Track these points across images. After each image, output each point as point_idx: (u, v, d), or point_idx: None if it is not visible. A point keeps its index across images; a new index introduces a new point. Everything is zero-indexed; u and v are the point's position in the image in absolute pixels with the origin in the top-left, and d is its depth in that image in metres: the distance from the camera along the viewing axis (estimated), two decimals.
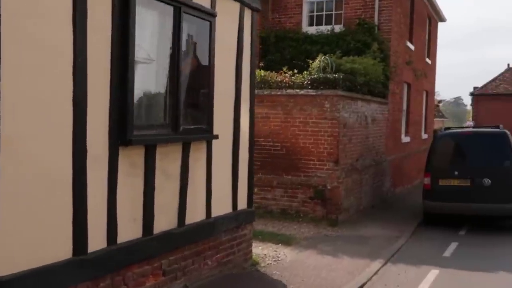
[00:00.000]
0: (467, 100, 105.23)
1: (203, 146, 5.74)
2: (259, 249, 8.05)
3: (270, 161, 11.06)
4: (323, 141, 10.57)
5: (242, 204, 6.73)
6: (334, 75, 10.65)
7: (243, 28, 6.52)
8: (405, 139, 17.33)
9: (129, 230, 4.66)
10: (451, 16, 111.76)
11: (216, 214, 6.04)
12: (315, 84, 10.73)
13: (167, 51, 5.09)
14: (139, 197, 4.77)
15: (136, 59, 4.60)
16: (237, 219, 6.59)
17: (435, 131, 26.04)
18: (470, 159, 10.64)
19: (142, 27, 4.71)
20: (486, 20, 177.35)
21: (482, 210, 10.36)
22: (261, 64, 13.23)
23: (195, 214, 5.66)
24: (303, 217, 10.65)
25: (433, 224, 11.14)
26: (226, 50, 6.19)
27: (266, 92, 11.09)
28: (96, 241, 4.23)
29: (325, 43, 14.27)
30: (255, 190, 11.05)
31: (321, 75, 10.75)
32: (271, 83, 11.21)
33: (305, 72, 11.26)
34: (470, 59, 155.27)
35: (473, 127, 11.97)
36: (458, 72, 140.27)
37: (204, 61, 5.71)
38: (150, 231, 4.92)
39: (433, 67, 22.93)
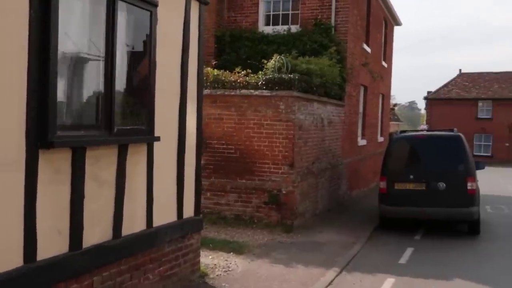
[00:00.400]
0: (421, 105, 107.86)
1: (143, 149, 5.21)
2: (209, 259, 7.57)
3: (223, 164, 10.60)
4: (278, 144, 10.19)
5: (188, 211, 6.23)
6: (289, 75, 10.31)
7: (189, 21, 6.04)
8: (362, 142, 17.24)
9: (53, 244, 4.09)
10: (405, 21, 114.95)
11: (158, 224, 5.52)
12: (270, 84, 10.35)
13: (100, 43, 4.54)
14: (65, 207, 4.21)
15: (62, 50, 4.04)
16: (183, 228, 6.08)
17: (390, 134, 26.28)
18: (425, 163, 10.51)
19: (70, 14, 4.15)
20: (438, 28, 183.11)
21: (437, 214, 10.25)
22: (214, 62, 12.73)
23: (134, 224, 5.12)
24: (257, 223, 10.23)
25: (389, 228, 10.97)
26: (170, 44, 5.69)
27: (219, 92, 10.63)
28: (8, 259, 3.65)
29: (282, 43, 13.96)
30: (208, 195, 10.59)
31: (276, 75, 10.39)
32: (225, 83, 10.75)
33: (260, 72, 10.87)
34: (424, 64, 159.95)
35: (428, 131, 11.85)
36: (412, 77, 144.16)
37: (144, 56, 5.19)
38: (78, 244, 4.36)
39: (389, 70, 23.08)
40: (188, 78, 6.07)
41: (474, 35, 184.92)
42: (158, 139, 5.32)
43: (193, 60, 6.20)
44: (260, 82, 10.48)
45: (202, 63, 6.45)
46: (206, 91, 10.69)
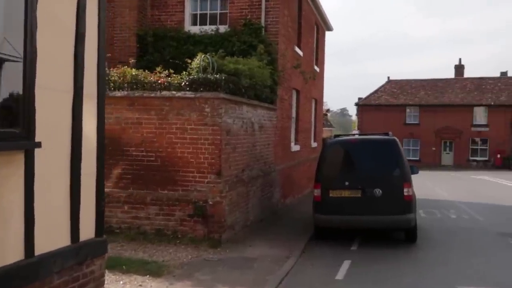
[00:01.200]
0: (352, 111, 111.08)
1: (18, 157, 4.10)
2: (119, 285, 6.49)
3: (143, 174, 9.51)
4: (203, 150, 9.26)
5: (87, 233, 5.14)
6: (215, 75, 9.43)
7: (85, 5, 4.98)
8: (295, 147, 16.66)
9: None
10: (335, 30, 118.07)
11: (42, 251, 4.41)
12: (194, 85, 9.42)
13: None
14: None
15: None
16: (79, 254, 4.99)
17: (324, 140, 26.07)
18: (360, 168, 9.97)
19: None
20: (366, 38, 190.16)
21: (374, 223, 9.72)
22: (132, 60, 11.60)
23: (6, 253, 4.00)
24: (181, 238, 9.22)
25: (324, 238, 10.33)
26: (58, 31, 4.62)
27: (137, 94, 9.55)
28: None
29: (209, 44, 13.09)
30: (125, 208, 9.48)
31: (201, 75, 9.47)
32: (144, 84, 9.70)
33: (184, 72, 9.92)
34: (353, 73, 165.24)
35: (363, 134, 11.36)
36: (343, 84, 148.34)
37: (18, 43, 4.09)
38: None
39: (321, 75, 22.83)
40: (85, 73, 5.01)
41: (399, 46, 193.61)
42: (38, 145, 4.22)
43: (91, 52, 5.14)
44: (183, 83, 9.53)
45: (103, 56, 5.40)
46: (123, 93, 9.61)
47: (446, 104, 46.02)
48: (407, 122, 46.92)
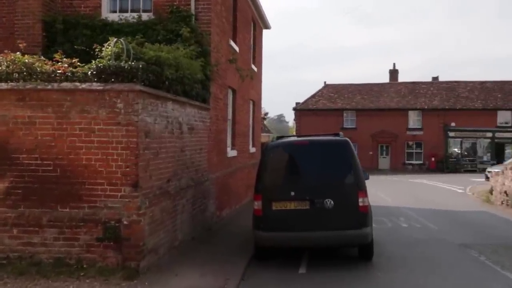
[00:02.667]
0: (289, 117, 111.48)
1: None
2: None
3: (37, 188, 7.45)
4: (115, 157, 7.36)
5: None
6: (131, 63, 7.58)
7: None
8: (232, 152, 14.99)
9: None
10: (270, 37, 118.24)
11: None
12: (104, 75, 7.52)
13: None
14: None
15: None
16: None
17: (263, 144, 24.61)
18: (308, 175, 8.44)
19: None
20: (298, 47, 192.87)
21: (326, 239, 8.20)
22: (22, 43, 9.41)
23: None
24: (87, 269, 7.25)
25: (267, 259, 8.71)
26: None
27: (29, 85, 7.50)
28: None
29: (130, 33, 11.09)
30: (14, 232, 7.43)
31: (113, 63, 7.59)
32: (38, 74, 7.67)
33: (93, 61, 7.97)
34: (288, 80, 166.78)
35: (310, 135, 9.85)
36: (279, 91, 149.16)
37: None
38: None
39: (259, 75, 21.36)
40: None
41: (334, 55, 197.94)
42: None
43: None
44: (90, 72, 7.60)
45: None
46: (10, 85, 7.55)
47: (382, 108, 46.21)
48: (344, 126, 46.58)
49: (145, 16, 11.75)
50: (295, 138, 9.27)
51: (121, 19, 11.80)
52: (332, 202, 8.14)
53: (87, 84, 7.43)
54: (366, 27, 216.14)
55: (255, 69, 19.78)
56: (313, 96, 49.78)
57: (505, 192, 16.64)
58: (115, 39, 7.98)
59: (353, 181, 8.32)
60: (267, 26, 22.28)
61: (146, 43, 9.02)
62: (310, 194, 8.21)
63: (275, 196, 8.35)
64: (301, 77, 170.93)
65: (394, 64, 51.09)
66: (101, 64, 7.59)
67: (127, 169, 7.32)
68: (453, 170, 43.12)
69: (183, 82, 9.53)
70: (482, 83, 47.65)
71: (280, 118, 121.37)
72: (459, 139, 45.97)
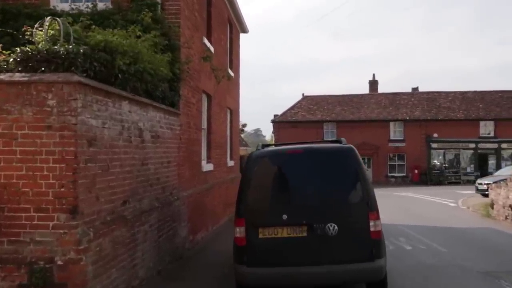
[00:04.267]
0: (266, 131, 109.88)
1: None
2: None
3: None
4: (45, 172, 5.39)
5: None
6: (68, 46, 5.67)
7: None
8: (207, 166, 13.07)
9: None
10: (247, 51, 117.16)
11: None
12: (32, 63, 5.59)
13: None
14: None
15: None
16: None
17: (242, 157, 22.72)
18: (304, 193, 6.59)
19: None
20: (273, 64, 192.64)
21: (328, 276, 6.32)
22: None
23: None
24: None
25: None
26: None
27: None
28: None
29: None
30: None
31: (44, 48, 5.66)
32: None
33: (21, 48, 6.01)
34: (265, 93, 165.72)
35: (305, 142, 7.98)
36: (255, 104, 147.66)
37: None
38: None
39: (236, 82, 19.58)
40: None
41: (310, 69, 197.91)
42: None
43: None
44: (13, 60, 5.66)
45: None
46: None
47: (363, 119, 44.90)
48: (324, 138, 45.01)
49: (101, 5, 9.90)
50: (287, 146, 7.43)
51: (72, 8, 9.95)
52: (336, 227, 6.30)
53: (7, 74, 5.48)
54: (341, 41, 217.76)
55: (232, 74, 17.99)
56: (291, 108, 48.23)
57: (510, 206, 15.09)
58: (49, 17, 6.05)
59: (362, 199, 6.51)
60: (244, 30, 20.59)
61: (95, 27, 7.10)
62: (308, 217, 6.36)
63: (262, 220, 6.48)
64: (276, 90, 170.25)
65: (373, 75, 49.90)
66: (28, 49, 5.65)
67: (62, 189, 5.36)
68: (437, 182, 41.89)
69: (144, 79, 7.63)
70: (463, 93, 46.85)
71: (257, 132, 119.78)
72: (442, 150, 44.88)
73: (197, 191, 11.68)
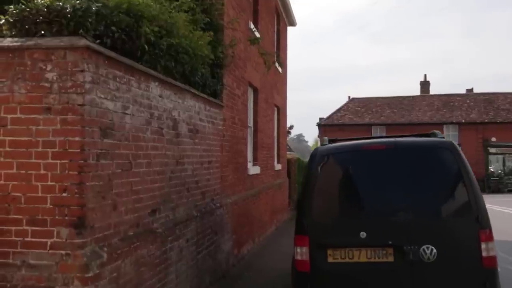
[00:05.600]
0: (308, 137, 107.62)
1: None
2: None
3: None
4: (43, 171, 3.96)
5: None
6: (75, 1, 4.22)
7: None
8: (253, 169, 11.52)
9: None
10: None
11: None
12: (28, 26, 4.18)
13: None
14: None
15: None
16: None
17: (289, 161, 21.09)
18: (390, 203, 4.91)
19: None
20: (314, 69, 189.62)
21: None
22: None
23: None
24: None
25: None
26: None
27: None
28: None
29: None
30: None
31: (44, 3, 4.24)
32: None
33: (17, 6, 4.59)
34: (304, 99, 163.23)
35: (389, 136, 6.21)
36: (296, 110, 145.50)
37: None
38: None
39: (284, 78, 17.99)
40: None
41: (347, 74, 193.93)
42: None
43: None
44: (5, 21, 4.26)
45: None
46: None
47: (414, 122, 42.27)
48: None
49: None
50: (363, 141, 5.73)
51: None
52: (434, 250, 4.60)
53: None
54: (379, 45, 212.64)
55: (280, 69, 16.42)
56: (338, 110, 46.18)
57: None
58: None
59: (470, 211, 4.77)
60: (292, 23, 19.02)
61: None
62: (395, 236, 4.69)
63: (332, 239, 4.85)
64: (316, 96, 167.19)
65: (425, 76, 47.15)
66: (24, 7, 4.24)
67: (64, 193, 3.91)
68: (496, 190, 38.79)
69: (180, 59, 6.15)
70: None
71: (300, 137, 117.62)
72: (501, 156, 41.69)
73: (242, 198, 10.14)
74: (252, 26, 11.07)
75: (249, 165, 11.29)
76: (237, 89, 9.79)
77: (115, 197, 4.42)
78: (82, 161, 3.92)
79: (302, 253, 4.90)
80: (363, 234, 4.70)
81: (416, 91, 46.90)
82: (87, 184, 3.96)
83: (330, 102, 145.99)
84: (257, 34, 11.63)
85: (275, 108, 15.78)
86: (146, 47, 5.05)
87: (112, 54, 4.36)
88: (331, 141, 5.81)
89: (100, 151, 4.16)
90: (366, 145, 5.34)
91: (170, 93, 5.85)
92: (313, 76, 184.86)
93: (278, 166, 16.04)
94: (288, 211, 18.57)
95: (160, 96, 5.54)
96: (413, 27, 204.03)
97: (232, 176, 9.27)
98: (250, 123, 11.65)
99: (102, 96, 4.20)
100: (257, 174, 12.00)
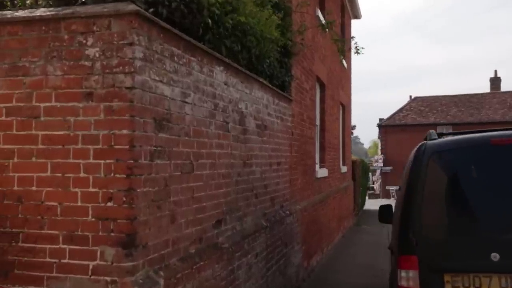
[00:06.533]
0: (364, 139, 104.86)
1: None
2: None
3: None
4: (83, 174, 3.09)
5: None
6: None
7: None
8: (321, 172, 10.44)
9: None
10: None
11: None
12: None
13: None
14: None
15: None
16: None
17: (355, 162, 19.78)
18: None
19: None
20: (369, 68, 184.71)
21: None
22: None
23: None
24: None
25: None
26: None
27: None
28: None
29: None
30: None
31: None
32: None
33: None
34: (360, 101, 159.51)
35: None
36: (352, 112, 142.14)
37: None
38: None
39: (349, 75, 16.78)
40: None
41: (406, 76, 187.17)
42: None
43: None
44: None
45: None
46: None
47: (484, 121, 39.43)
48: None
49: None
50: (483, 134, 4.51)
51: None
52: None
53: (26, 11, 3.29)
54: (437, 44, 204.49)
55: (345, 65, 15.24)
56: (400, 110, 44.04)
57: None
58: None
59: None
60: (357, 15, 17.79)
61: None
62: None
63: (451, 261, 3.72)
64: (372, 98, 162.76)
65: (495, 71, 44.22)
66: None
67: (110, 203, 3.02)
68: None
69: (246, 41, 5.20)
70: None
71: (355, 140, 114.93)
72: None
73: (311, 203, 9.09)
74: (319, 13, 10.02)
75: (317, 167, 10.23)
76: (305, 82, 8.77)
77: (173, 207, 3.52)
78: (132, 161, 3.03)
79: (409, 278, 3.79)
80: (495, 256, 3.54)
81: (484, 89, 43.95)
82: (138, 190, 3.07)
83: (387, 104, 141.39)
84: (324, 22, 10.56)
85: (341, 106, 14.61)
86: (210, 22, 4.13)
87: (168, 26, 3.45)
88: (440, 135, 4.61)
89: (154, 148, 3.26)
90: (497, 138, 4.12)
91: (236, 81, 4.91)
92: (369, 77, 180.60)
93: (344, 169, 14.85)
94: (353, 216, 17.30)
95: (226, 84, 4.61)
96: (473, 24, 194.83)
97: (301, 180, 8.24)
98: (317, 121, 10.59)
99: (157, 78, 3.30)
100: (324, 177, 10.91)
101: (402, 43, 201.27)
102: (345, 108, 15.60)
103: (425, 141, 4.24)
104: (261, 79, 5.74)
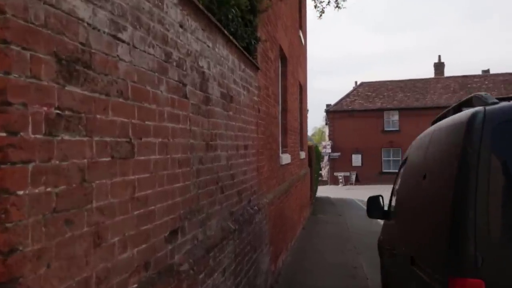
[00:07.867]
0: (308, 126, 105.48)
1: None
2: None
3: None
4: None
5: None
6: None
7: None
8: (285, 158, 9.09)
9: None
10: None
11: None
12: None
13: None
14: None
15: None
16: None
17: (310, 148, 18.66)
18: None
19: None
20: (312, 56, 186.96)
21: None
22: None
23: None
24: None
25: None
26: None
27: None
28: None
29: None
30: None
31: None
32: None
33: None
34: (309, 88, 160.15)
35: None
36: None
37: None
38: None
39: (305, 52, 15.52)
40: None
41: (348, 64, 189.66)
42: None
43: None
44: None
45: None
46: None
47: (429, 106, 39.82)
48: (385, 129, 40.45)
49: None
50: None
51: None
52: None
53: None
54: (379, 35, 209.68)
55: (302, 39, 13.95)
56: (347, 95, 43.67)
57: None
58: None
59: None
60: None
61: None
62: None
63: None
64: (317, 84, 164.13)
65: (439, 57, 44.48)
66: None
67: None
68: None
69: None
70: None
71: None
72: None
73: (277, 195, 7.73)
74: None
75: (279, 152, 8.88)
76: (270, 51, 7.34)
77: (97, 218, 1.99)
78: (4, 134, 1.48)
79: None
80: None
81: (429, 75, 44.33)
82: (20, 193, 1.53)
83: (332, 91, 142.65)
84: None
85: (299, 86, 13.33)
86: None
87: None
88: (500, 99, 3.27)
89: (57, 112, 1.72)
90: None
91: (196, 27, 3.40)
92: (312, 63, 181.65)
93: (302, 154, 13.62)
94: (309, 205, 16.19)
95: (182, 26, 3.09)
96: (412, 15, 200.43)
97: (267, 167, 6.84)
98: (278, 98, 9.22)
99: None
100: (287, 164, 9.59)
101: (343, 31, 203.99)
102: (302, 88, 14.35)
103: (478, 108, 2.92)
104: (226, 32, 4.24)
